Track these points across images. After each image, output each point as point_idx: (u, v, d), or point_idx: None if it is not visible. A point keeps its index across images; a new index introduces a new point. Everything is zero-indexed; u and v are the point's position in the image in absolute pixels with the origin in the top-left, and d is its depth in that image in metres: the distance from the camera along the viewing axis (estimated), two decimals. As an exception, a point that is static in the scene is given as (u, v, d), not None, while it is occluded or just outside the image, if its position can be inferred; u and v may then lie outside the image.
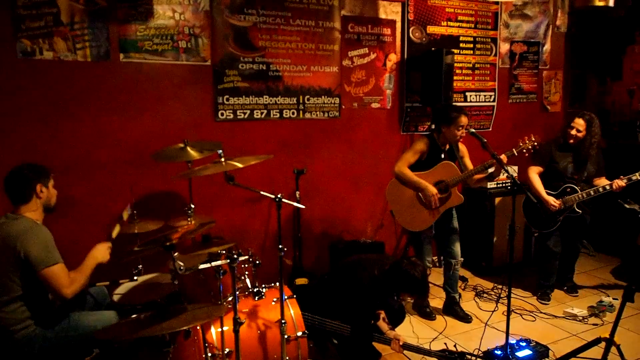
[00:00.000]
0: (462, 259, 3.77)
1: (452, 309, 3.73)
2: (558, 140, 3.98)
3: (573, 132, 3.82)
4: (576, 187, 3.83)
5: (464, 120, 3.42)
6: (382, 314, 3.04)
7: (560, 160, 3.91)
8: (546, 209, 3.85)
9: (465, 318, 3.64)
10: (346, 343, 2.94)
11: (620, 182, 3.69)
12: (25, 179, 2.41)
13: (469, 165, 3.63)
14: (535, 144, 3.36)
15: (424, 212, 3.53)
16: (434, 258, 4.38)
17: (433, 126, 3.22)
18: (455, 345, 3.04)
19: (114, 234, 2.74)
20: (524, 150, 3.38)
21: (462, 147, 3.66)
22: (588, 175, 3.91)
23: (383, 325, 2.98)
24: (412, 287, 2.85)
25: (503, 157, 3.25)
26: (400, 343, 2.85)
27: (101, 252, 2.57)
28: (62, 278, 2.33)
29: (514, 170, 4.48)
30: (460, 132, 3.44)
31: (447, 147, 3.60)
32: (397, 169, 3.51)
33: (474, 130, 3.17)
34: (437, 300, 4.00)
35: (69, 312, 2.51)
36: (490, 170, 3.45)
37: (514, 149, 3.38)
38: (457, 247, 3.70)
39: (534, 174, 3.95)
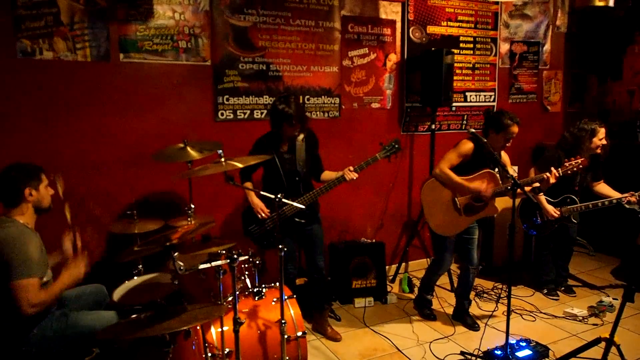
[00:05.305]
0: (480, 267, 3.65)
1: (461, 317, 3.65)
2: (572, 150, 3.79)
3: (605, 141, 3.79)
4: (575, 198, 3.85)
5: (515, 129, 3.27)
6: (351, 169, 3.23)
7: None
8: (545, 216, 3.87)
9: (473, 327, 3.56)
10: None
11: (631, 199, 3.72)
12: (13, 184, 2.33)
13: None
14: (581, 166, 3.31)
15: (457, 218, 3.41)
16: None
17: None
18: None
19: (68, 215, 2.61)
20: (569, 172, 3.33)
21: (504, 156, 3.51)
22: (587, 181, 3.94)
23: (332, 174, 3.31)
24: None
25: (552, 175, 3.28)
26: (351, 169, 3.16)
27: (78, 269, 2.45)
28: (29, 294, 2.20)
29: (514, 170, 4.47)
30: (507, 141, 3.32)
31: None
32: (438, 170, 3.36)
33: (474, 130, 3.16)
34: (435, 300, 4.00)
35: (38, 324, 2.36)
36: (535, 184, 3.38)
37: (560, 169, 3.32)
38: (476, 253, 3.58)
39: None
